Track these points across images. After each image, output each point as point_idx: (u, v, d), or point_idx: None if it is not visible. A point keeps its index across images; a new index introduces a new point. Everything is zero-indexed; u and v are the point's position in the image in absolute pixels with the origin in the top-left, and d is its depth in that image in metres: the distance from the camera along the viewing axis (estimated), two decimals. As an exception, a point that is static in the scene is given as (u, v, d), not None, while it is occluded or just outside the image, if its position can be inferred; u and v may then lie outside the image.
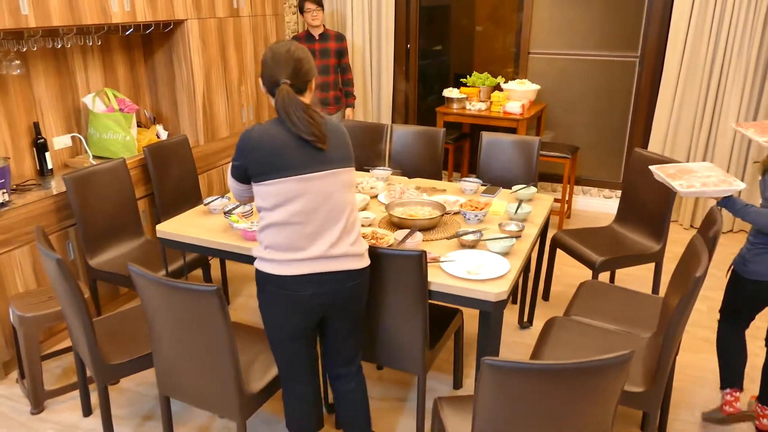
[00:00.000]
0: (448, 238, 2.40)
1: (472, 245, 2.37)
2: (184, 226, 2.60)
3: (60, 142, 3.34)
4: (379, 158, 3.86)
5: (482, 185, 3.09)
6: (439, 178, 3.73)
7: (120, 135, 3.36)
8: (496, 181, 3.52)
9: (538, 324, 3.26)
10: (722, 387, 2.50)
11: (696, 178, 2.31)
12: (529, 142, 3.54)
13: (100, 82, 3.53)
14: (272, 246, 1.85)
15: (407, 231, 2.37)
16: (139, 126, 3.82)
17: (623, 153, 4.81)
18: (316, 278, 1.85)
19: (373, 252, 2.05)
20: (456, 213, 2.70)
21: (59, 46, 3.10)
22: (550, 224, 4.54)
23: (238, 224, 2.52)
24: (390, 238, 2.37)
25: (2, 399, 2.68)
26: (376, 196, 2.93)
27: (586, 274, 3.81)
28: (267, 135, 1.81)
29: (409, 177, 3.36)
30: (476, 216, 2.59)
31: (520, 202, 2.73)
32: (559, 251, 4.05)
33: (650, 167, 2.45)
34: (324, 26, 4.35)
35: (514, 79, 4.81)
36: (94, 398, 2.66)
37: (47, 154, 3.17)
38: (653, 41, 4.46)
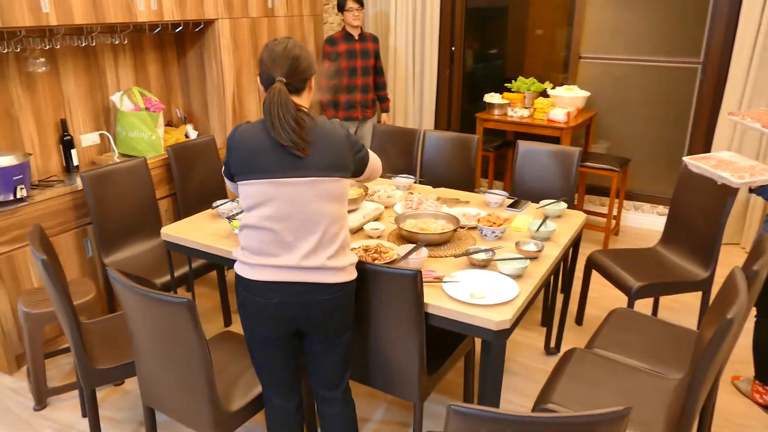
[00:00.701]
0: (455, 256, 2.22)
1: (483, 265, 2.17)
2: (189, 230, 2.53)
3: (88, 139, 3.36)
4: (410, 165, 3.70)
5: (508, 198, 2.87)
6: (473, 188, 3.54)
7: (146, 134, 3.35)
8: (530, 194, 3.29)
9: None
10: (757, 378, 2.51)
11: (740, 168, 2.05)
12: (568, 153, 3.29)
13: (131, 81, 3.54)
14: (246, 248, 1.79)
15: (413, 246, 2.20)
16: (169, 125, 3.82)
17: (682, 166, 4.44)
18: (284, 287, 1.74)
19: (365, 268, 1.90)
20: (473, 228, 2.51)
21: (83, 44, 3.11)
22: (593, 241, 4.26)
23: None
24: (394, 252, 2.21)
25: (9, 392, 2.69)
26: (392, 206, 2.77)
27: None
28: (248, 134, 1.76)
29: (435, 186, 3.18)
30: (493, 232, 2.39)
31: (545, 218, 2.50)
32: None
33: (685, 159, 2.23)
34: (361, 27, 4.23)
35: (563, 85, 4.53)
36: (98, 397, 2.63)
37: (73, 151, 3.19)
38: (717, 46, 4.09)
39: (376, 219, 2.62)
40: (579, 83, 4.58)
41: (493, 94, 4.47)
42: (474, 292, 1.98)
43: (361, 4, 4.12)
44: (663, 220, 4.49)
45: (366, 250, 2.24)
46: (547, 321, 3.03)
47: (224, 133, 3.77)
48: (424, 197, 2.78)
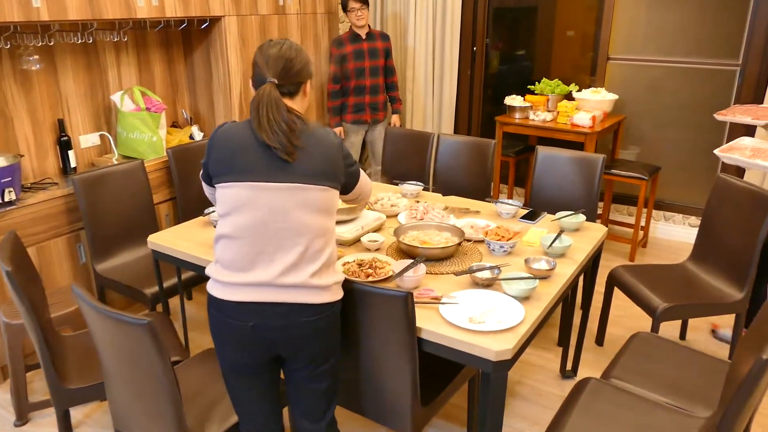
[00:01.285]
0: (456, 274, 2.01)
1: (488, 284, 1.97)
2: (177, 238, 2.39)
3: (87, 140, 3.25)
4: (422, 171, 3.51)
5: (522, 208, 2.66)
6: (488, 195, 3.33)
7: (147, 135, 3.23)
8: (549, 204, 3.07)
9: (585, 374, 2.77)
10: None
11: None
12: (591, 160, 3.06)
13: (134, 80, 3.42)
14: (220, 261, 1.63)
15: (410, 261, 2.01)
16: (175, 126, 3.70)
17: (715, 176, 4.14)
18: (260, 308, 1.57)
19: (352, 287, 1.72)
20: (479, 241, 2.31)
21: (80, 41, 3.00)
22: (619, 254, 4.00)
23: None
24: (390, 268, 2.02)
25: (-6, 405, 2.59)
26: (396, 216, 2.58)
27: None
28: (231, 132, 1.63)
29: (448, 194, 2.99)
30: (502, 247, 2.18)
31: (560, 232, 2.28)
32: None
33: (717, 152, 2.07)
34: (369, 26, 4.04)
35: (590, 87, 4.28)
36: (79, 414, 2.50)
37: (71, 153, 3.08)
38: (758, 47, 3.79)
39: (377, 230, 2.44)
40: (607, 86, 4.32)
41: (514, 96, 4.24)
42: (474, 316, 1.78)
43: (365, 3, 3.93)
44: (695, 232, 4.19)
45: (360, 265, 2.06)
46: (564, 340, 2.80)
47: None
48: (430, 206, 2.58)
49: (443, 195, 2.94)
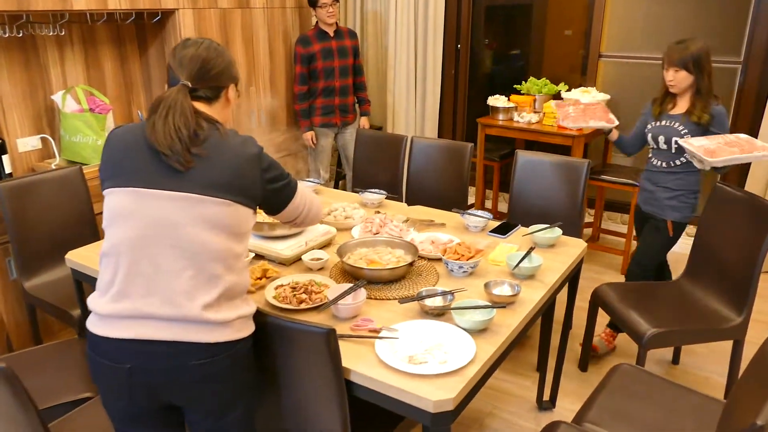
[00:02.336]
0: (401, 301, 1.73)
1: (439, 313, 1.69)
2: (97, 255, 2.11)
3: (26, 143, 2.99)
4: (396, 177, 3.23)
5: (494, 220, 2.37)
6: (465, 202, 3.05)
7: (90, 138, 2.96)
8: (531, 214, 2.77)
9: (565, 405, 2.48)
10: None
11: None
12: (575, 166, 2.78)
13: (81, 78, 3.16)
14: (98, 287, 1.37)
15: (349, 285, 1.73)
16: (128, 128, 3.43)
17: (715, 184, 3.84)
18: (140, 347, 1.30)
19: (266, 321, 1.44)
20: (438, 260, 2.02)
21: (10, 35, 2.73)
22: (610, 266, 3.70)
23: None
24: (326, 293, 1.74)
25: None
26: (350, 229, 2.30)
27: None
28: (126, 132, 1.41)
29: (420, 203, 2.70)
30: (461, 267, 1.89)
31: (530, 249, 1.99)
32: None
33: (709, 160, 2.26)
34: (336, 23, 3.75)
35: (580, 86, 3.98)
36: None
37: (5, 157, 2.82)
38: (761, 44, 3.50)
39: (326, 245, 2.15)
40: (598, 85, 4.03)
41: (498, 96, 3.95)
42: (415, 354, 1.50)
43: None
44: (689, 241, 3.87)
45: (294, 289, 1.78)
46: (542, 365, 2.51)
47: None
48: (389, 218, 2.30)
49: (409, 205, 2.65)
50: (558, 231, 2.18)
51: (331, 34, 3.70)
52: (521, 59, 4.47)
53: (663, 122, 2.61)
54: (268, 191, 1.46)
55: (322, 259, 1.98)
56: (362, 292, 1.71)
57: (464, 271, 1.90)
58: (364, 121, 3.95)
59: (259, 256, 2.05)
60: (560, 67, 4.24)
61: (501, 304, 1.68)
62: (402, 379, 1.41)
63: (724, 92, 3.68)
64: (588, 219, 4.06)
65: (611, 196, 4.12)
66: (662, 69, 2.60)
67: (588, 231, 4.08)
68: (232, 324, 1.35)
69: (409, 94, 4.51)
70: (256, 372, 1.47)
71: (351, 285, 1.72)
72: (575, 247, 2.18)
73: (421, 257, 2.03)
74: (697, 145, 2.38)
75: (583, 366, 2.68)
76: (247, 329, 1.40)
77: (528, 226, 2.30)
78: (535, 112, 3.85)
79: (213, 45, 1.47)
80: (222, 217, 1.33)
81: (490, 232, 2.28)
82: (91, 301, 1.35)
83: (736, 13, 3.56)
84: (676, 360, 2.76)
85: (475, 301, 1.68)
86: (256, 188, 1.41)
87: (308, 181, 2.81)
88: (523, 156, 2.89)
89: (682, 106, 2.59)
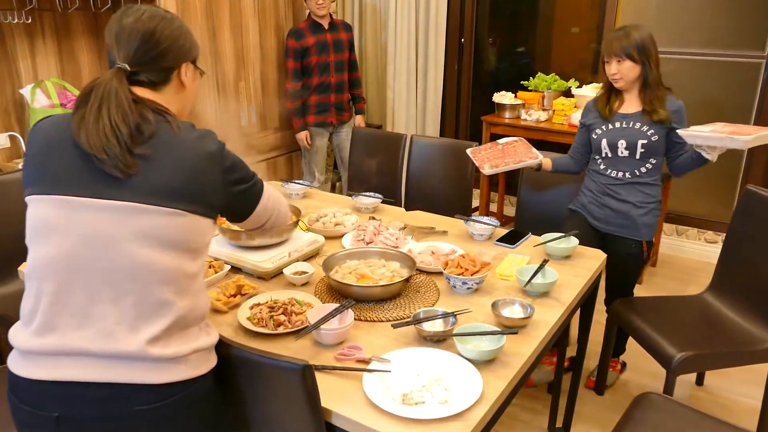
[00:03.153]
0: (394, 325, 1.48)
1: (440, 339, 1.44)
2: (56, 266, 1.87)
3: (-9, 141, 2.76)
4: (393, 179, 2.99)
5: (501, 228, 2.13)
6: (468, 207, 2.81)
7: (62, 136, 2.72)
8: (540, 221, 2.54)
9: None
10: None
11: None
12: (589, 167, 2.53)
13: (54, 71, 2.92)
14: (21, 315, 1.13)
15: (334, 307, 1.49)
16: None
17: (737, 185, 3.60)
18: (72, 391, 1.05)
19: (230, 353, 1.20)
20: (437, 273, 1.78)
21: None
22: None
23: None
24: (307, 315, 1.49)
25: None
26: (341, 237, 2.06)
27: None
28: (49, 126, 1.15)
29: (419, 207, 2.45)
30: (465, 284, 1.65)
31: (543, 262, 1.75)
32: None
33: (681, 133, 2.05)
34: (330, 15, 3.50)
35: (592, 83, 3.73)
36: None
37: (-33, 156, 2.59)
38: (789, 34, 3.25)
39: (312, 256, 1.91)
40: (611, 81, 3.78)
41: (504, 93, 3.71)
42: (410, 392, 1.26)
43: None
44: (712, 249, 3.64)
45: (272, 309, 1.54)
46: (555, 386, 2.26)
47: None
48: (384, 225, 2.06)
49: (407, 210, 2.41)
50: (574, 241, 1.94)
51: (326, 27, 3.45)
52: (528, 54, 4.21)
53: (618, 124, 2.25)
54: (232, 196, 1.21)
55: (306, 272, 1.74)
56: (349, 315, 1.46)
57: (468, 288, 1.66)
58: (359, 120, 3.71)
59: (236, 269, 1.81)
60: (571, 64, 3.99)
61: (512, 329, 1.44)
62: (394, 425, 1.16)
63: (748, 87, 3.43)
64: (599, 224, 3.81)
65: (624, 200, 3.86)
66: (602, 63, 2.26)
67: (599, 236, 3.83)
68: (187, 359, 1.11)
69: (410, 91, 4.26)
70: (218, 415, 1.23)
71: (336, 306, 1.47)
72: (593, 258, 1.93)
73: (420, 270, 1.79)
74: (708, 131, 2.05)
75: (599, 389, 2.44)
76: (206, 365, 1.16)
77: (539, 234, 2.05)
78: (543, 110, 3.61)
79: (159, 13, 1.18)
80: (172, 230, 1.09)
81: (498, 241, 2.04)
82: (13, 333, 1.11)
83: (759, 6, 3.31)
84: (700, 381, 2.51)
85: (481, 325, 1.43)
86: (217, 193, 1.17)
87: (297, 183, 2.57)
88: (532, 156, 2.64)
89: (632, 103, 2.26)
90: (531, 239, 2.07)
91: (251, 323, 1.51)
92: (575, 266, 1.87)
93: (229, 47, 3.34)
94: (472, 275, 1.67)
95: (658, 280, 3.43)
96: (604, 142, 2.27)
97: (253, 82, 3.54)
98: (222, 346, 1.20)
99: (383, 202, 2.40)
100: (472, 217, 2.12)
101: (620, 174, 2.28)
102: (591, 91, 3.50)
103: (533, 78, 3.81)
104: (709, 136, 2.02)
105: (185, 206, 1.10)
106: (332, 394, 1.25)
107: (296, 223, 1.91)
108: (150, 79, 1.17)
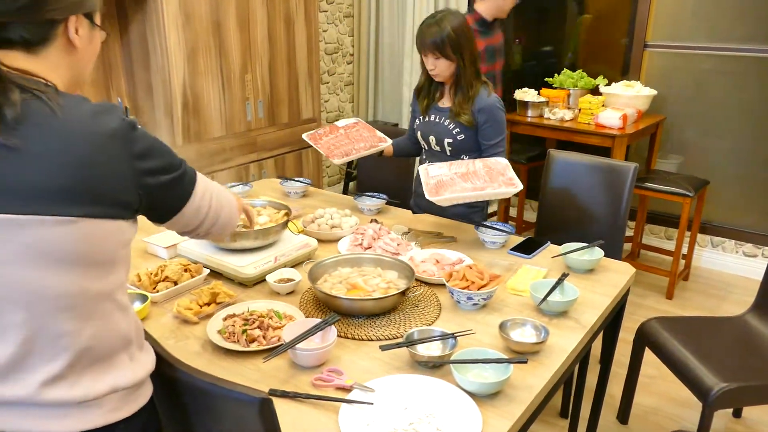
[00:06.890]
0: (383, 347, 1.27)
1: (435, 365, 1.23)
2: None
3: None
4: (405, 180, 2.78)
5: (516, 235, 1.90)
6: (484, 211, 2.57)
7: (53, 126, 2.57)
8: (564, 227, 2.31)
9: (601, 467, 2.00)
10: None
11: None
12: (619, 170, 2.30)
13: (49, 59, 2.78)
14: None
15: (315, 322, 1.28)
16: (106, 117, 3.05)
17: (781, 194, 3.30)
18: None
19: (174, 376, 1.00)
20: (442, 285, 1.56)
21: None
22: (654, 288, 3.19)
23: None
24: (283, 331, 1.29)
25: None
26: (337, 241, 1.86)
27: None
28: None
29: (417, 211, 2.24)
30: (470, 299, 1.44)
31: (562, 276, 1.52)
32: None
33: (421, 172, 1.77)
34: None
35: (622, 80, 3.48)
36: None
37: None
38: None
39: (302, 262, 1.71)
40: (643, 79, 3.52)
41: (526, 90, 3.47)
42: (392, 431, 1.05)
43: None
44: (751, 263, 3.35)
45: (246, 321, 1.35)
46: (573, 411, 2.03)
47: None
48: (386, 229, 1.85)
49: (414, 212, 2.20)
50: (599, 252, 1.71)
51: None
52: (555, 53, 3.96)
53: (431, 117, 2.13)
54: (149, 190, 0.93)
55: (293, 280, 1.55)
56: (332, 332, 1.26)
57: (474, 304, 1.44)
58: None
59: (215, 273, 1.62)
60: (602, 61, 3.73)
61: (521, 356, 1.22)
62: (370, 474, 0.96)
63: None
64: (627, 232, 3.55)
65: (654, 207, 3.60)
66: (420, 55, 2.05)
67: (627, 246, 3.57)
68: (102, 402, 0.90)
69: (428, 88, 4.05)
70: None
71: (318, 321, 1.27)
72: (620, 273, 1.70)
73: (421, 281, 1.58)
74: (431, 176, 1.89)
75: (623, 417, 2.19)
76: (130, 405, 0.94)
77: (560, 244, 1.83)
78: (568, 108, 3.36)
79: None
80: (63, 243, 0.84)
81: (512, 249, 1.81)
82: None
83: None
84: (737, 413, 2.25)
85: (485, 350, 1.22)
86: (126, 187, 0.89)
87: (296, 181, 2.38)
88: (557, 156, 2.42)
89: (448, 96, 2.11)
90: (550, 249, 1.85)
91: (221, 337, 1.31)
92: (599, 282, 1.64)
93: (235, 39, 3.16)
94: (479, 289, 1.45)
95: (690, 295, 3.17)
96: (419, 134, 2.20)
97: (261, 74, 3.36)
98: (168, 368, 1.01)
99: (388, 203, 2.19)
100: (484, 223, 1.90)
101: None
102: (621, 88, 3.25)
103: (558, 75, 3.57)
104: (466, 196, 1.79)
105: (77, 209, 0.83)
106: (300, 428, 1.05)
107: (285, 224, 1.71)
108: (23, 37, 0.86)
